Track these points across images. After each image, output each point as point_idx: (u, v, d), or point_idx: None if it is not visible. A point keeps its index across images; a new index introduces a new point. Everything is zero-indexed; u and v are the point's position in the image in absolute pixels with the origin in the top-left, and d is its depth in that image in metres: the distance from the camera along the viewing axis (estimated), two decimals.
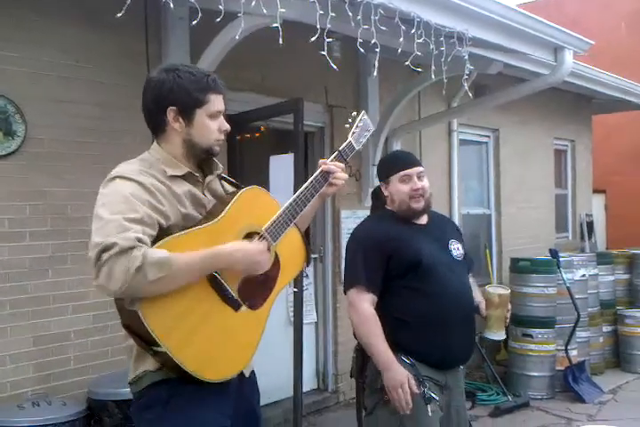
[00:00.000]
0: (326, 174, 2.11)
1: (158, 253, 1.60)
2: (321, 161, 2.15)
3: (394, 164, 2.68)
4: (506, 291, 2.62)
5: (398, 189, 2.60)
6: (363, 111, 2.37)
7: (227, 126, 1.93)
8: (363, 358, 2.56)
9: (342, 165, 2.17)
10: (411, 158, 2.70)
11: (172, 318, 1.65)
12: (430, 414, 2.39)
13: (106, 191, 1.75)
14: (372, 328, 2.46)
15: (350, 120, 2.31)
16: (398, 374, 2.39)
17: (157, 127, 1.90)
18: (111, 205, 1.68)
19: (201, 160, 1.94)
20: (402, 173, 2.60)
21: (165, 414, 1.76)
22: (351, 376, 2.70)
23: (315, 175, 2.09)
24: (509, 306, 2.63)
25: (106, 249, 1.56)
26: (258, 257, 1.82)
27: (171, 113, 1.84)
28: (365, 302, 2.48)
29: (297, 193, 2.03)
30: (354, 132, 2.28)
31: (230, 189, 2.06)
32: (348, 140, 2.26)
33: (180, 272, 1.63)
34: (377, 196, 2.76)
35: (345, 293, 2.58)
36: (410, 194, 2.57)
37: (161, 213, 1.74)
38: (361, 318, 2.49)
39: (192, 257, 1.67)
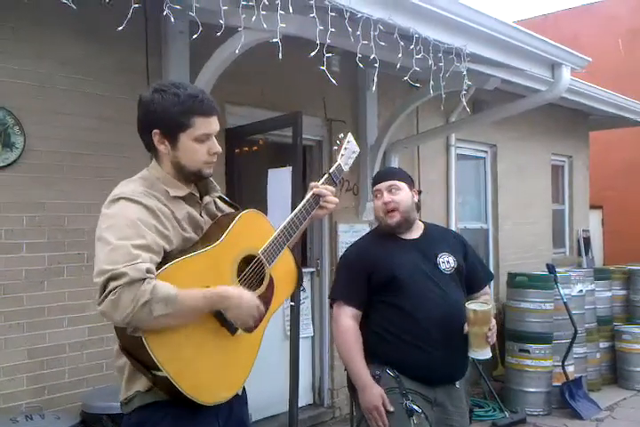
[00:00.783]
0: (317, 197, 2.13)
1: (167, 289, 1.58)
2: (312, 184, 2.17)
3: (373, 180, 2.80)
4: (483, 307, 2.47)
5: (374, 205, 2.71)
6: (349, 134, 2.40)
7: (217, 149, 1.87)
8: None
9: (333, 188, 2.19)
10: (381, 174, 2.81)
11: (173, 344, 1.64)
12: (413, 426, 2.40)
13: (110, 213, 1.71)
14: (349, 343, 2.53)
15: (338, 142, 2.34)
16: (372, 396, 2.44)
17: (148, 147, 1.88)
18: (117, 228, 1.65)
19: (194, 181, 1.92)
20: (373, 189, 2.73)
21: None
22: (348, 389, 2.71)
23: (306, 198, 2.11)
24: (493, 323, 2.49)
25: (114, 278, 1.55)
26: (255, 311, 1.80)
27: (155, 136, 1.82)
28: (345, 316, 2.56)
29: (290, 216, 2.04)
30: (342, 155, 2.31)
31: (225, 207, 2.04)
32: (337, 163, 2.29)
33: (185, 310, 1.63)
34: None
35: (330, 307, 2.71)
36: (382, 209, 2.65)
37: (165, 237, 1.73)
38: (339, 332, 2.58)
39: (197, 296, 1.67)
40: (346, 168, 2.32)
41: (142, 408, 1.77)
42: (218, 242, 1.79)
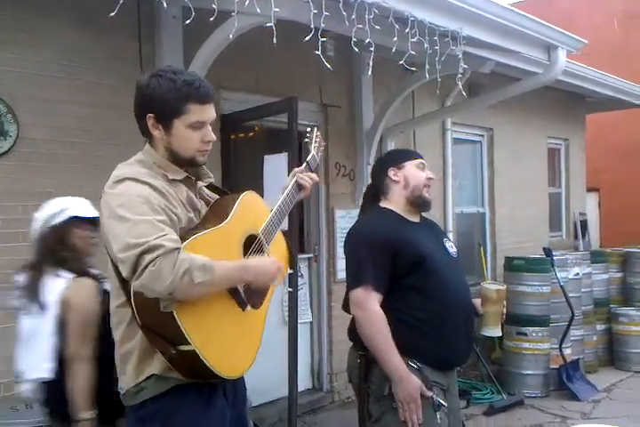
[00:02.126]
0: (300, 182, 2.23)
1: (202, 257, 1.63)
2: (295, 169, 2.28)
3: (409, 152, 2.75)
4: (502, 287, 2.67)
5: (415, 173, 2.59)
6: (315, 128, 2.55)
7: (211, 137, 1.87)
8: (367, 363, 2.45)
9: (313, 176, 2.28)
10: (417, 153, 2.77)
11: (197, 317, 1.68)
12: (439, 420, 2.33)
13: (118, 192, 1.71)
14: (382, 333, 2.36)
15: (308, 134, 2.47)
16: (412, 388, 2.31)
17: (143, 131, 1.88)
18: (132, 205, 1.66)
19: (188, 167, 1.92)
20: (419, 160, 2.64)
21: None
22: (350, 381, 2.63)
23: (291, 184, 2.21)
24: (505, 302, 2.66)
25: (150, 250, 1.56)
26: (276, 273, 1.87)
27: (150, 120, 1.82)
28: (374, 302, 2.38)
29: (281, 199, 2.12)
30: (314, 147, 2.45)
31: (211, 195, 2.06)
32: (311, 153, 2.42)
33: (220, 279, 1.67)
34: (375, 191, 2.69)
35: (348, 291, 2.48)
36: (425, 181, 2.58)
37: (176, 215, 1.76)
38: (371, 320, 2.38)
39: (228, 266, 1.72)
40: (318, 159, 2.46)
41: (154, 399, 1.74)
42: (226, 221, 1.83)
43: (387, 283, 2.41)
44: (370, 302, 2.38)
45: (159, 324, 1.65)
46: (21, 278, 2.44)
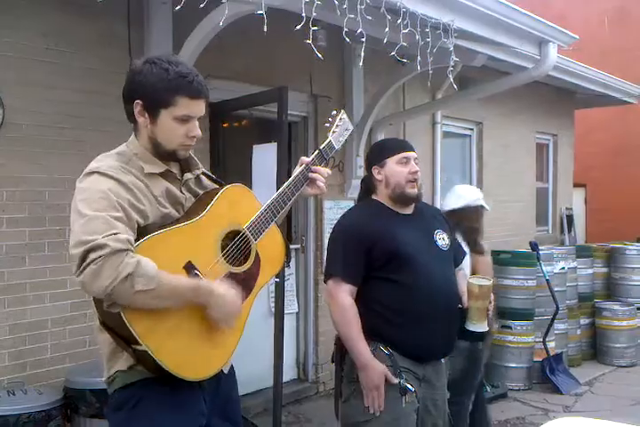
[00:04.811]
0: (306, 174, 2.09)
1: (150, 266, 1.57)
2: (302, 159, 2.13)
3: (392, 146, 2.66)
4: (487, 282, 2.57)
5: (395, 170, 2.56)
6: (342, 110, 2.35)
7: (196, 132, 1.82)
8: (342, 347, 2.53)
9: (327, 170, 2.14)
10: (408, 144, 2.70)
11: (153, 318, 1.62)
12: (404, 405, 2.38)
13: (84, 186, 1.70)
14: (349, 322, 2.44)
15: (330, 119, 2.29)
16: (375, 376, 2.37)
17: (129, 116, 1.85)
18: (92, 201, 1.63)
19: (169, 160, 1.87)
20: (401, 154, 2.57)
21: (131, 418, 1.75)
22: (332, 361, 2.68)
23: (295, 174, 2.08)
24: (492, 297, 2.59)
25: (94, 249, 1.52)
26: (236, 312, 1.78)
27: (137, 106, 1.79)
28: (343, 293, 2.46)
29: (278, 191, 2.01)
30: (334, 132, 2.26)
31: (209, 184, 2.02)
32: (328, 140, 2.24)
33: (166, 292, 1.60)
34: (367, 185, 2.70)
35: (325, 282, 2.57)
36: (407, 177, 2.54)
37: (140, 212, 1.71)
38: (339, 309, 2.47)
39: (180, 282, 1.65)
40: (337, 146, 2.26)
41: (122, 389, 1.76)
42: (200, 216, 1.77)
43: (360, 275, 2.48)
44: (340, 294, 2.47)
45: (113, 321, 1.63)
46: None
